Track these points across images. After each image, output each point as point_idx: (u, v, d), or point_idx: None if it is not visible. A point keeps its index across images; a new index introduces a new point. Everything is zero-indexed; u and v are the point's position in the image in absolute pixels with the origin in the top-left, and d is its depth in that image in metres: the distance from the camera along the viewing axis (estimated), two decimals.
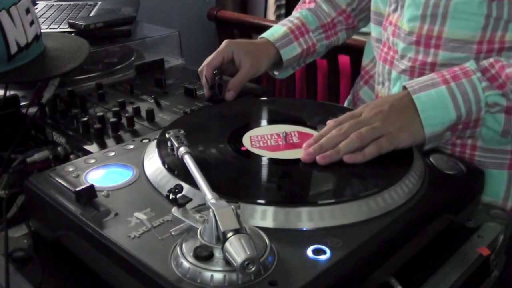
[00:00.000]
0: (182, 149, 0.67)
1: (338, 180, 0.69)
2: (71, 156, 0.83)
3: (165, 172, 0.67)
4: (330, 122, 0.75)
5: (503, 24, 0.78)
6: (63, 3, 1.45)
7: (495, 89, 0.72)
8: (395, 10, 0.89)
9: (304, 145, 0.72)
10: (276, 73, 1.09)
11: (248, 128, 0.80)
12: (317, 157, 0.68)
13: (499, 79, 0.72)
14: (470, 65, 0.74)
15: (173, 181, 0.64)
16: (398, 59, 0.89)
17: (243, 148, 0.73)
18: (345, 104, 1.19)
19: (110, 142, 0.84)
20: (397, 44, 0.89)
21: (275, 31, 1.04)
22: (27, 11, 0.88)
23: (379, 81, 0.97)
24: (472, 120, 0.73)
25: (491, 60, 0.74)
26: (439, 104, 0.72)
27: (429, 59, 0.84)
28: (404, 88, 0.75)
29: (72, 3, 1.45)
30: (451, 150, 0.88)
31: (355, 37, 1.20)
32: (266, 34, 1.04)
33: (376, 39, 0.98)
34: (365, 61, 1.09)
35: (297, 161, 0.71)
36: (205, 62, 0.98)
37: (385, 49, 0.93)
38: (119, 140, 0.85)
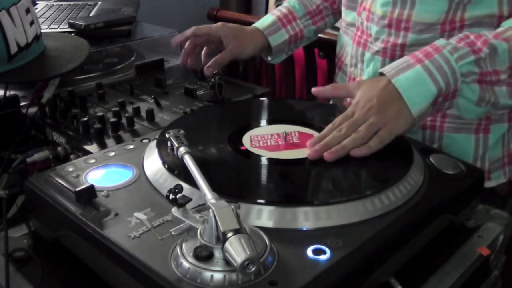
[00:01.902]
0: (182, 149, 0.67)
1: (338, 180, 0.69)
2: (71, 156, 0.83)
3: (165, 172, 0.67)
4: (316, 91, 0.81)
5: (462, 6, 0.87)
6: (63, 3, 1.45)
7: (467, 57, 0.76)
8: None
9: (308, 143, 0.73)
10: (269, 58, 1.17)
11: (248, 128, 0.80)
12: (325, 154, 0.70)
13: (475, 46, 0.77)
14: (439, 42, 0.79)
15: (173, 181, 0.64)
16: (372, 41, 0.97)
17: (242, 148, 0.73)
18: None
19: (110, 142, 0.84)
20: (371, 28, 0.97)
21: (265, 20, 1.13)
22: (27, 11, 0.88)
23: (352, 63, 1.04)
24: (451, 91, 0.77)
25: (465, 32, 0.80)
26: (418, 82, 0.76)
27: (399, 41, 0.93)
28: (380, 74, 0.79)
29: (72, 3, 1.45)
30: (423, 120, 0.93)
31: None
32: (256, 23, 1.13)
33: (350, 23, 1.06)
34: (338, 49, 1.16)
35: (297, 161, 0.71)
36: (194, 28, 1.09)
37: (359, 33, 1.01)
38: (119, 140, 0.84)
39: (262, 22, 1.12)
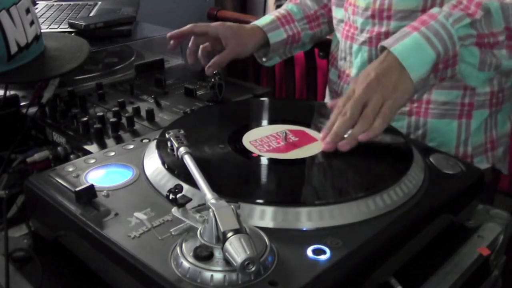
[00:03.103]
0: (182, 149, 0.67)
1: (338, 180, 0.69)
2: (71, 156, 0.83)
3: (165, 172, 0.67)
4: (332, 105, 0.79)
5: None
6: (63, 3, 1.45)
7: (463, 20, 0.77)
8: None
9: (321, 137, 0.75)
10: (264, 59, 1.16)
11: (248, 128, 0.80)
12: (339, 146, 0.72)
13: (469, 10, 0.78)
14: (434, 10, 0.80)
15: (173, 181, 0.64)
16: (358, 33, 1.02)
17: (253, 155, 0.72)
18: (326, 95, 1.25)
19: (110, 142, 0.84)
20: (357, 20, 1.02)
21: (264, 19, 1.14)
22: (27, 11, 0.88)
23: (342, 56, 1.09)
24: (451, 56, 0.77)
25: None
26: (416, 48, 0.76)
27: (383, 29, 0.98)
28: (381, 50, 0.79)
29: (72, 3, 1.45)
30: (409, 107, 0.97)
31: None
32: (255, 22, 1.13)
33: (340, 20, 1.10)
34: (332, 47, 1.18)
35: (296, 161, 0.71)
36: (192, 25, 1.08)
37: (347, 27, 1.06)
38: (119, 140, 0.85)
39: (261, 21, 1.13)
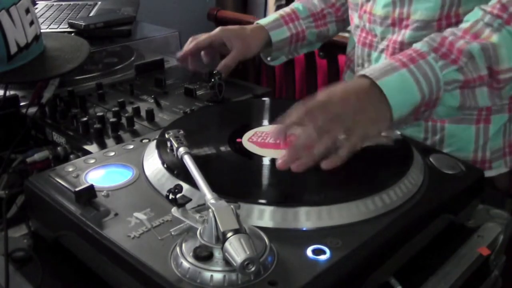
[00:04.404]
0: (181, 149, 0.67)
1: (338, 180, 0.69)
2: (71, 156, 0.83)
3: (164, 172, 0.67)
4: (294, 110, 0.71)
5: (457, 1, 0.88)
6: (63, 3, 1.45)
7: (450, 65, 0.74)
8: (367, 0, 1.00)
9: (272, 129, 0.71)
10: (268, 59, 1.16)
11: (248, 128, 0.80)
12: (292, 166, 0.66)
13: (451, 55, 0.74)
14: (422, 47, 0.76)
15: (172, 181, 0.64)
16: (378, 41, 1.00)
17: (241, 147, 0.73)
18: None
19: (110, 142, 0.84)
20: (375, 29, 0.99)
21: (268, 18, 1.14)
22: (27, 11, 0.88)
23: (359, 63, 1.06)
24: (433, 100, 0.74)
25: (438, 39, 0.76)
26: (404, 87, 0.72)
27: (399, 38, 0.95)
28: (362, 76, 0.73)
29: (72, 3, 1.45)
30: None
31: None
32: (259, 21, 1.13)
33: (356, 25, 1.07)
34: (348, 49, 1.17)
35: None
36: (194, 40, 1.09)
37: (363, 34, 1.03)
38: (119, 140, 0.84)
39: (265, 19, 1.12)
